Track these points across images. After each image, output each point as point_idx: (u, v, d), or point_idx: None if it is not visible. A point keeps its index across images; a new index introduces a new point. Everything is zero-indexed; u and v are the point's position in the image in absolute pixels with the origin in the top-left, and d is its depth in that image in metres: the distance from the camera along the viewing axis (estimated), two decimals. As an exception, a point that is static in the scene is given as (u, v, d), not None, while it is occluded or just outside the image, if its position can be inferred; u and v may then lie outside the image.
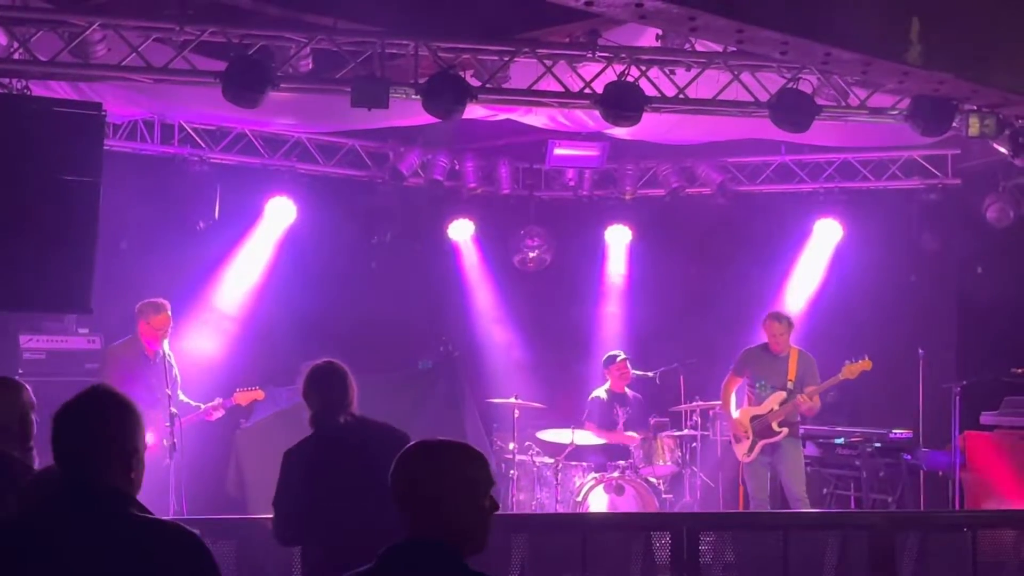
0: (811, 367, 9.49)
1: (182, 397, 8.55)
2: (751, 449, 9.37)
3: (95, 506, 2.93)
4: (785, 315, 9.68)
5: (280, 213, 11.22)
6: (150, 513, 3.02)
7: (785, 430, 9.28)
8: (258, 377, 9.64)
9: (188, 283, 10.50)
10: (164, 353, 8.36)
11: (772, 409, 9.31)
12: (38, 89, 8.26)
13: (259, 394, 9.06)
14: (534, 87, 8.65)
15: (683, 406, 10.70)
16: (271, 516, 5.19)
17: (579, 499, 9.59)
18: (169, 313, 8.47)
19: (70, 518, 2.91)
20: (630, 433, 10.28)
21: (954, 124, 8.65)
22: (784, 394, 9.32)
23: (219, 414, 8.78)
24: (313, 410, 5.24)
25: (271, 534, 5.26)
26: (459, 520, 2.93)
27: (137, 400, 3.13)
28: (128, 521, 2.94)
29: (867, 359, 9.27)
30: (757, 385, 9.52)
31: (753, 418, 9.40)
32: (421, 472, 2.97)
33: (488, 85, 8.44)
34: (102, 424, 3.01)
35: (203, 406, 8.69)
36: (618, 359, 10.61)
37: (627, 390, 10.65)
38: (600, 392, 10.65)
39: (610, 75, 8.45)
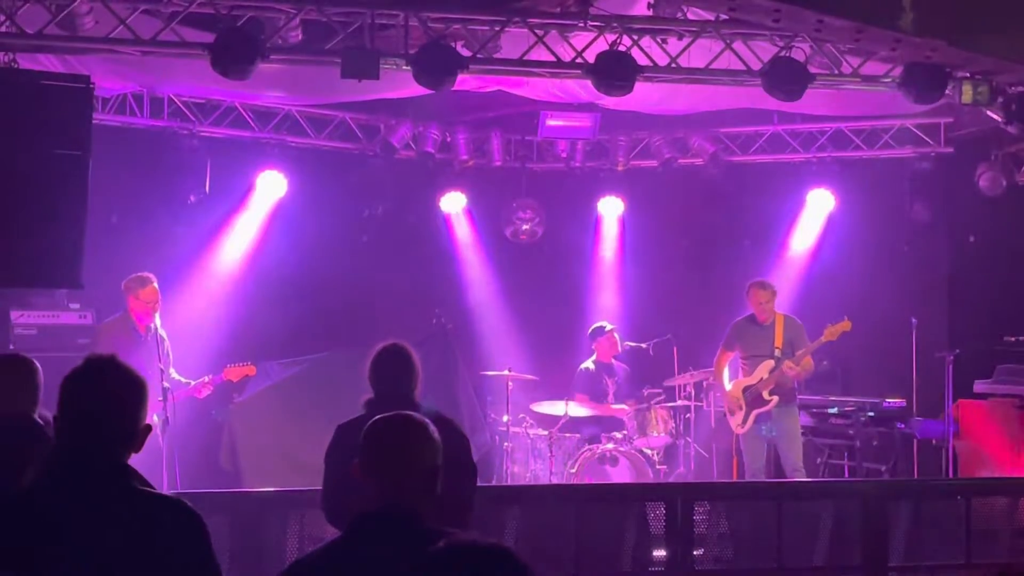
0: (798, 332, 9.48)
1: (173, 374, 8.51)
2: (745, 420, 9.38)
3: (101, 479, 2.90)
4: (768, 283, 9.66)
5: (271, 186, 11.15)
6: (151, 486, 2.99)
7: (776, 398, 9.27)
8: (249, 351, 9.59)
9: (179, 257, 10.47)
10: (155, 328, 8.34)
11: (762, 378, 9.32)
12: (25, 62, 8.18)
13: (250, 369, 9.04)
14: (525, 57, 8.58)
15: (676, 377, 10.67)
16: (265, 490, 5.12)
17: (573, 470, 9.61)
18: (156, 285, 8.44)
19: (76, 490, 2.86)
20: (619, 406, 10.30)
21: (947, 92, 8.61)
22: (772, 362, 9.32)
23: (207, 391, 8.74)
24: (372, 395, 4.99)
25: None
26: (422, 486, 2.90)
27: None
28: (133, 495, 2.91)
29: (847, 320, 9.26)
30: (747, 356, 9.53)
31: (745, 389, 9.40)
32: (386, 441, 2.95)
33: (479, 55, 8.37)
34: (116, 396, 2.97)
35: (192, 383, 8.66)
36: (606, 330, 10.61)
37: (614, 361, 10.64)
38: (588, 364, 10.67)
39: (602, 44, 8.40)
